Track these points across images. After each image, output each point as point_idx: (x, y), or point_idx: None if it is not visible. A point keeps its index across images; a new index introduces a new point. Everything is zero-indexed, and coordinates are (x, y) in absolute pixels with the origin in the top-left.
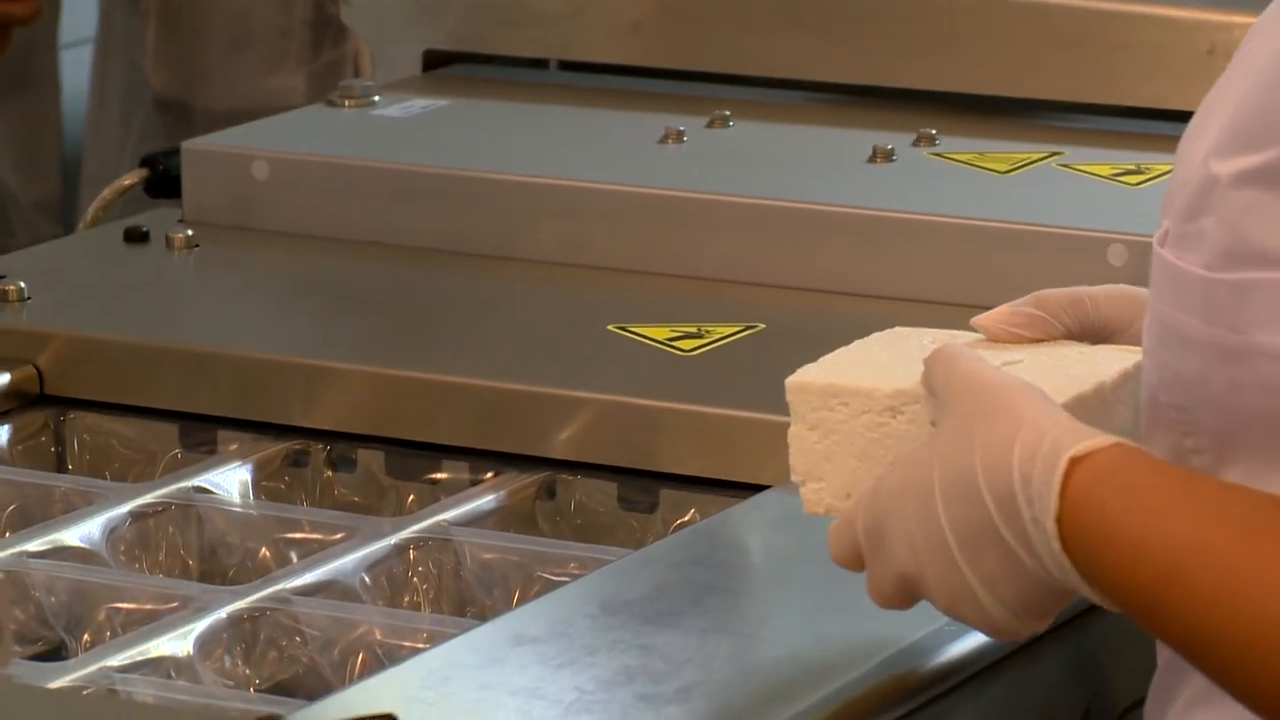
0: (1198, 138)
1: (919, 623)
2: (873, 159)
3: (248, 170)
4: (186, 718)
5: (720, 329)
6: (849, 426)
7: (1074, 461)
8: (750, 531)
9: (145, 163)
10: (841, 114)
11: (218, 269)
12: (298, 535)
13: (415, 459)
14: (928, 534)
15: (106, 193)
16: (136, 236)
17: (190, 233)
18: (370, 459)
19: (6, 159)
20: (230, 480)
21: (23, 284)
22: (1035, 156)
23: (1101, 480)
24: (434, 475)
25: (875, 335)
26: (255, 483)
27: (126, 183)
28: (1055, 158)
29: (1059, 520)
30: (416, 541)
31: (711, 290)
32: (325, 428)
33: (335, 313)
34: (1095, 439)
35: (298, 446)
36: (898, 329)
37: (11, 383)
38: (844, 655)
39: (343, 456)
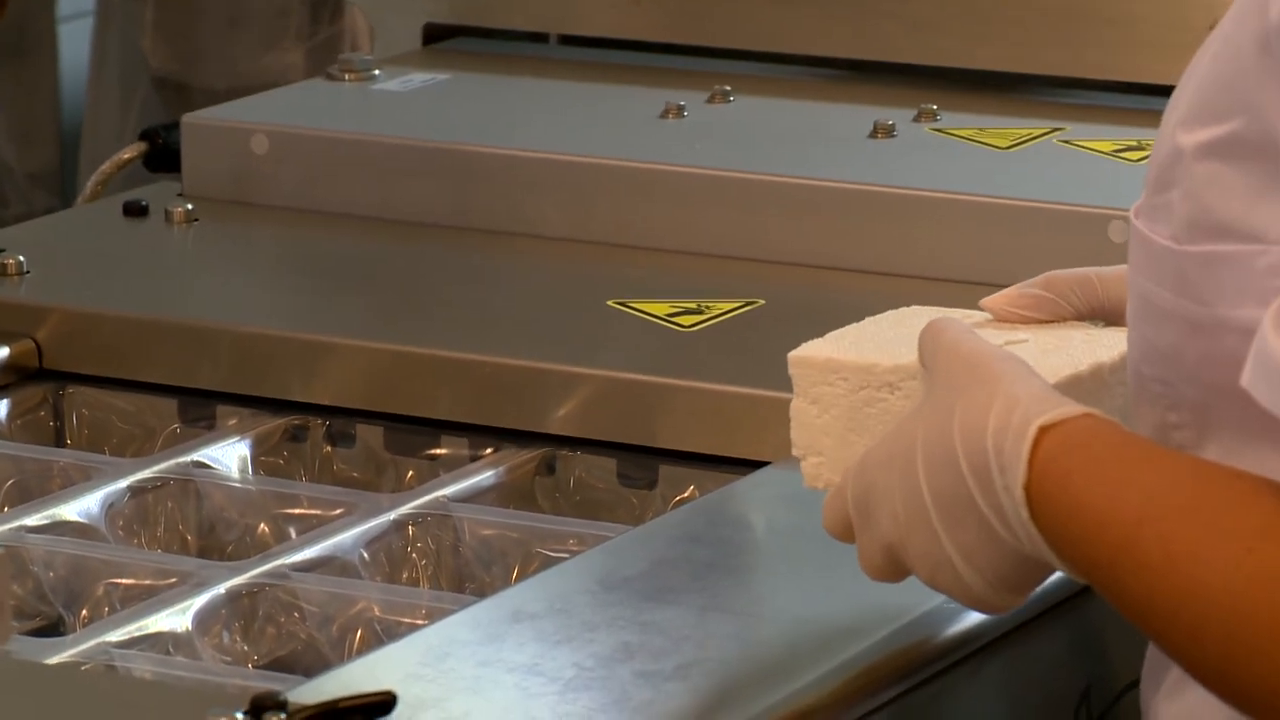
0: (1172, 110)
1: (918, 600)
2: (874, 134)
3: (247, 144)
4: (184, 694)
5: (720, 305)
6: (848, 401)
7: (1043, 430)
8: (750, 508)
9: (145, 136)
10: (842, 89)
11: (217, 243)
12: (296, 511)
13: (415, 434)
14: (909, 503)
15: (106, 166)
16: (136, 210)
17: (190, 207)
18: (369, 434)
19: (1, 129)
20: (229, 455)
21: (21, 258)
22: (1036, 132)
23: (1069, 450)
24: (433, 451)
25: (888, 313)
26: (254, 458)
27: (126, 156)
28: (1056, 134)
29: (1027, 489)
30: (415, 517)
31: (712, 266)
32: (324, 403)
33: (335, 287)
34: (1065, 408)
35: (297, 422)
36: (912, 307)
37: (10, 357)
38: (843, 632)
39: (342, 432)
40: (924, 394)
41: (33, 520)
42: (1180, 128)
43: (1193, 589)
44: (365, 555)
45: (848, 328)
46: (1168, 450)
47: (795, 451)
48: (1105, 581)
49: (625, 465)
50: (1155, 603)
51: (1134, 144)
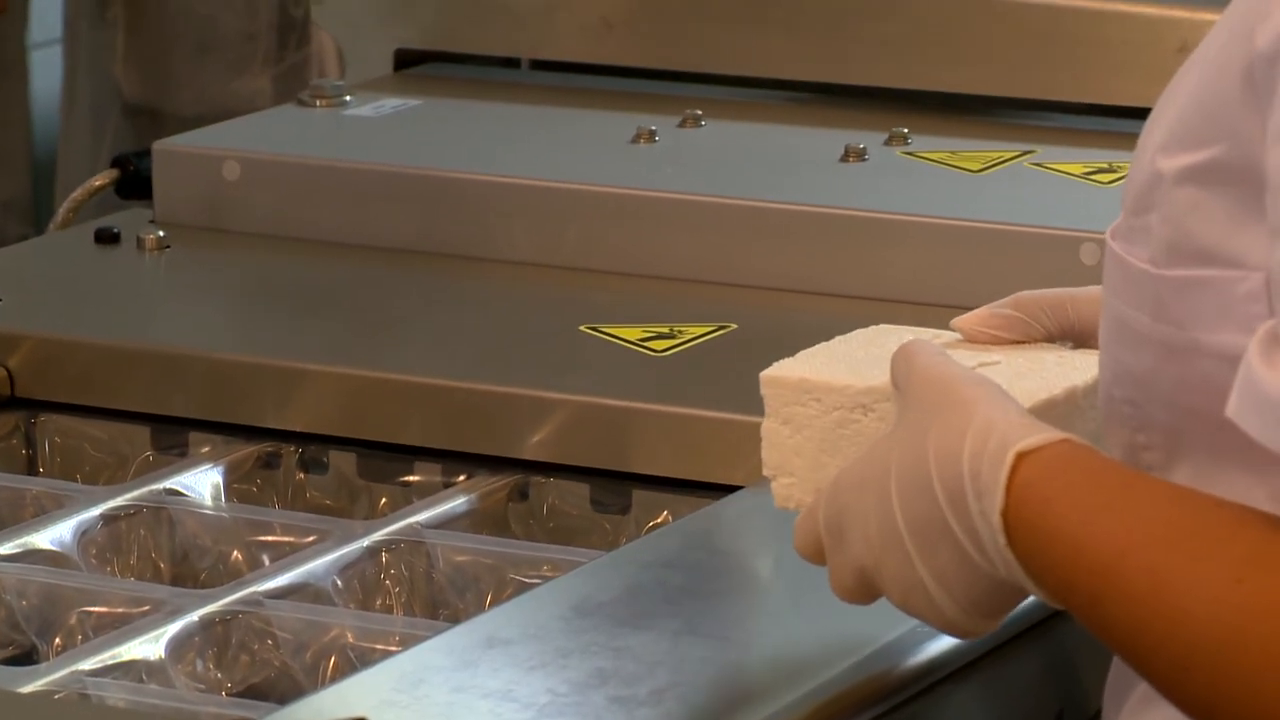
0: (1150, 132)
1: (892, 624)
2: (845, 158)
3: (219, 171)
4: None
5: (692, 329)
6: (820, 422)
7: (1020, 456)
8: (723, 532)
9: (116, 163)
10: (814, 113)
11: (189, 270)
12: (269, 538)
13: (387, 461)
14: (883, 527)
15: (77, 193)
16: (107, 237)
17: (161, 234)
18: (342, 461)
19: None
20: (202, 483)
21: None
22: (1007, 155)
23: (1047, 477)
24: (406, 477)
25: (858, 332)
26: (227, 485)
27: (97, 183)
28: (1027, 156)
29: (1004, 515)
30: (389, 544)
31: (683, 290)
32: (297, 429)
33: (307, 314)
34: (1043, 434)
35: (269, 448)
36: (881, 326)
37: None
38: (816, 657)
39: (314, 458)
40: (897, 417)
41: (5, 549)
42: (1160, 152)
43: (1180, 619)
44: (339, 582)
45: (817, 347)
46: (1147, 476)
47: (766, 472)
48: (1085, 608)
49: (598, 490)
50: (1140, 632)
51: (1105, 166)
